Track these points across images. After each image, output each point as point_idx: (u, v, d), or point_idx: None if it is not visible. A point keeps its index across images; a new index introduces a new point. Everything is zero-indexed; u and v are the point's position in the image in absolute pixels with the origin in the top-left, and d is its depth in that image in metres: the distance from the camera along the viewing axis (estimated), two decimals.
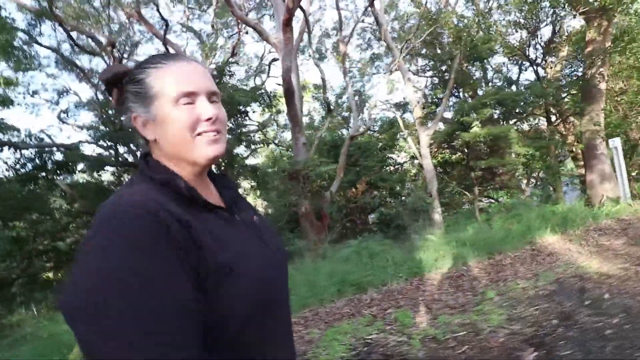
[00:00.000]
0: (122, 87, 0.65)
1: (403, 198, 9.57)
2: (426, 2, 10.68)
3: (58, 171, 8.64)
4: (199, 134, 0.61)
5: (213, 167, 0.74)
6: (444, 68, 9.82)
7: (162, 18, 10.38)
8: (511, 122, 10.47)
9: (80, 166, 9.84)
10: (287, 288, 0.71)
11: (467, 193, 10.35)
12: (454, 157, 10.87)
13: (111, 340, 0.44)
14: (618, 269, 3.23)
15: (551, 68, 10.34)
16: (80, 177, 9.60)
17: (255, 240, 0.66)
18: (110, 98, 0.68)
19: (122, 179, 9.16)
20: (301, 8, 6.76)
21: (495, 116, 10.58)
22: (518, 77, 12.25)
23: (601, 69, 8.86)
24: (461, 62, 8.85)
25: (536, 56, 10.11)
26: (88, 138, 10.18)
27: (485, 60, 9.44)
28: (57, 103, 12.73)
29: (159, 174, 0.61)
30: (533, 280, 3.26)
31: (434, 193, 9.85)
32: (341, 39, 8.20)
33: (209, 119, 0.61)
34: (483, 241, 4.53)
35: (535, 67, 10.07)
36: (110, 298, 0.45)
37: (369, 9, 8.90)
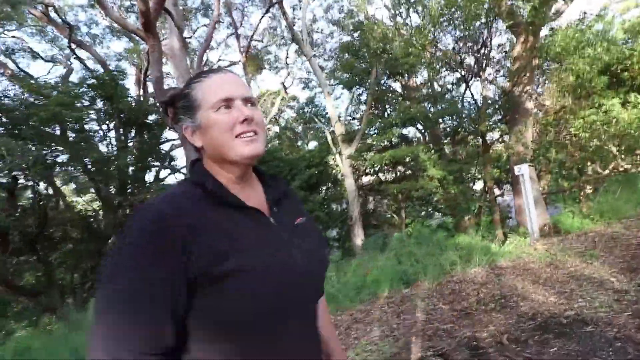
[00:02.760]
0: (175, 106, 0.74)
1: None
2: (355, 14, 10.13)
3: None
4: (238, 136, 0.68)
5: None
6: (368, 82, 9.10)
7: (64, 21, 9.51)
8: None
9: None
10: (313, 296, 0.72)
11: (395, 215, 9.60)
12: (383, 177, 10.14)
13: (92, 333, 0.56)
14: None
15: (485, 87, 9.76)
16: None
17: (284, 244, 0.68)
18: (167, 117, 0.76)
19: None
20: (167, 11, 5.96)
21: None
22: (463, 95, 11.65)
23: (527, 87, 8.29)
24: (378, 76, 8.15)
25: (470, 74, 9.52)
26: None
27: (407, 76, 8.73)
28: None
29: (197, 176, 0.69)
30: None
31: (355, 216, 9.05)
32: (242, 48, 7.42)
33: (244, 120, 0.68)
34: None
35: (468, 85, 9.47)
36: (105, 296, 0.58)
37: (285, 17, 8.15)
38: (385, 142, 9.74)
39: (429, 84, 10.62)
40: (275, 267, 0.63)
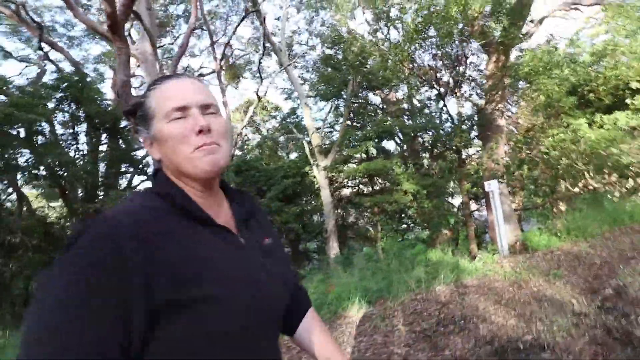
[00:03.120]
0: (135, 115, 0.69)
1: None
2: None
3: None
4: (197, 149, 0.61)
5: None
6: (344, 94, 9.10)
7: (34, 21, 9.19)
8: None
9: None
10: (278, 318, 0.69)
11: (371, 229, 9.53)
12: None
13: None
14: None
15: (460, 103, 9.95)
16: None
17: (254, 266, 0.64)
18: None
19: None
20: (136, 14, 5.80)
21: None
22: (440, 111, 11.81)
23: (499, 105, 8.47)
24: (355, 89, 8.16)
25: (447, 90, 9.68)
26: None
27: (386, 90, 8.77)
28: None
29: (162, 187, 0.63)
30: None
31: (330, 229, 8.93)
32: (218, 56, 7.28)
33: (200, 131, 0.61)
34: None
35: (445, 101, 9.61)
36: (39, 327, 0.47)
37: (263, 27, 8.10)
38: (363, 155, 9.74)
39: (408, 99, 10.78)
40: (247, 292, 0.59)
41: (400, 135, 8.23)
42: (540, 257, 4.85)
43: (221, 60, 7.18)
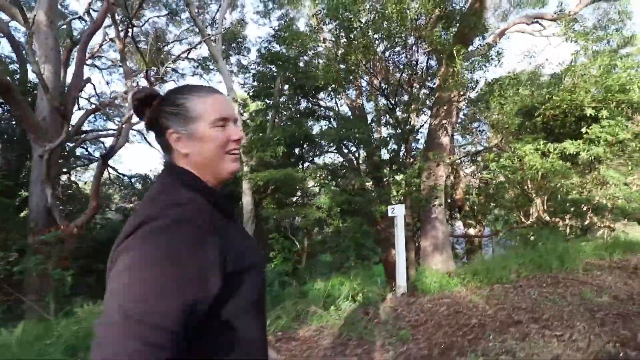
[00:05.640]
0: (154, 107, 0.77)
1: None
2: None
3: None
4: (227, 152, 0.76)
5: None
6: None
7: None
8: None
9: None
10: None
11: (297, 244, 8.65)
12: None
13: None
14: None
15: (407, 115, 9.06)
16: None
17: (253, 242, 0.81)
18: (135, 114, 0.79)
19: None
20: None
21: None
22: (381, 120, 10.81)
23: (444, 121, 7.64)
24: (281, 89, 7.32)
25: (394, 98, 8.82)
26: None
27: (313, 93, 7.88)
28: None
29: (196, 183, 0.74)
30: None
31: None
32: (121, 41, 6.38)
33: (236, 140, 0.77)
34: None
35: (391, 109, 8.75)
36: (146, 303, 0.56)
37: (190, 9, 7.26)
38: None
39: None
40: (259, 264, 0.77)
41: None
42: (420, 305, 3.98)
43: (124, 38, 6.32)
